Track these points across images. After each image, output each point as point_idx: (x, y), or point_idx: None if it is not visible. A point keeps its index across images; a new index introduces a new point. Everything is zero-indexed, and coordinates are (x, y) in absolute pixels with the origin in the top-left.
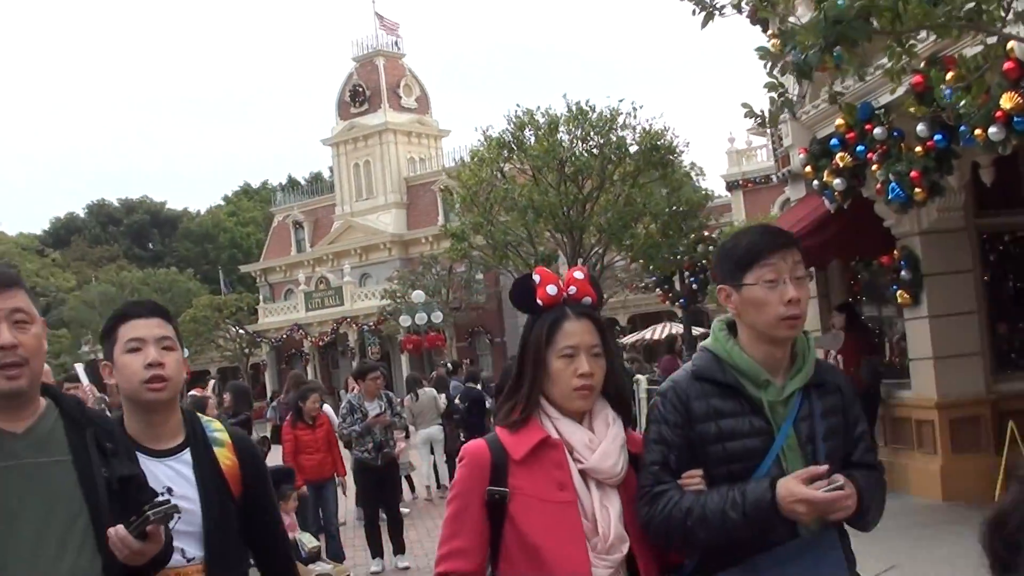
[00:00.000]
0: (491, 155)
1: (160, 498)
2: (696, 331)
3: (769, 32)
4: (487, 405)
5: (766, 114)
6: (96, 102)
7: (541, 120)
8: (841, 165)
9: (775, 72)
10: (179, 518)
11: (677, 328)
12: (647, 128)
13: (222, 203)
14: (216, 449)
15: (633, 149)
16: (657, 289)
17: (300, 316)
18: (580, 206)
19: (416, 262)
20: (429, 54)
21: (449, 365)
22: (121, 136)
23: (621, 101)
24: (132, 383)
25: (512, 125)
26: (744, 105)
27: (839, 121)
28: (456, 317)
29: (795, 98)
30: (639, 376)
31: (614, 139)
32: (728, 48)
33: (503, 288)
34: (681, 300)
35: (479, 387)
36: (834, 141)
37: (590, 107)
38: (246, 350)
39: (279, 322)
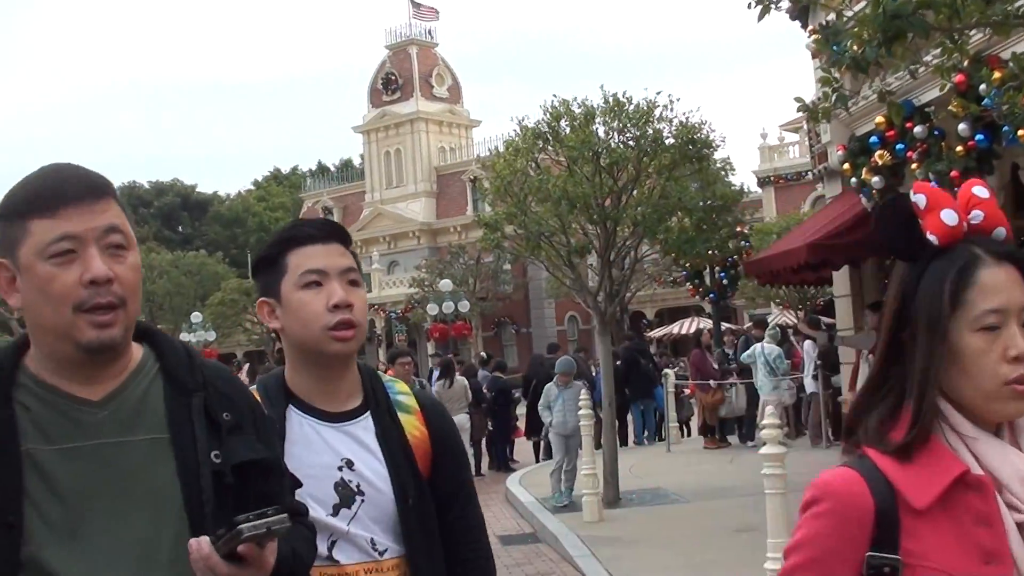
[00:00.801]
0: (526, 145)
1: (270, 511)
2: (724, 326)
3: (809, 28)
4: (514, 395)
5: (819, 108)
6: (128, 85)
7: (577, 111)
8: (880, 163)
9: (829, 67)
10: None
11: (705, 323)
12: (684, 121)
13: (252, 187)
14: (402, 416)
15: (669, 142)
16: (688, 283)
17: None
18: (615, 198)
19: (444, 251)
20: (461, 43)
21: (483, 355)
22: (153, 119)
23: (659, 94)
24: (311, 329)
25: (548, 115)
26: (797, 99)
27: (879, 119)
28: (483, 307)
29: (849, 93)
30: (667, 371)
31: (650, 131)
32: (760, 43)
33: (531, 279)
34: (711, 295)
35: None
36: (873, 139)
37: (627, 99)
38: (273, 334)
39: None
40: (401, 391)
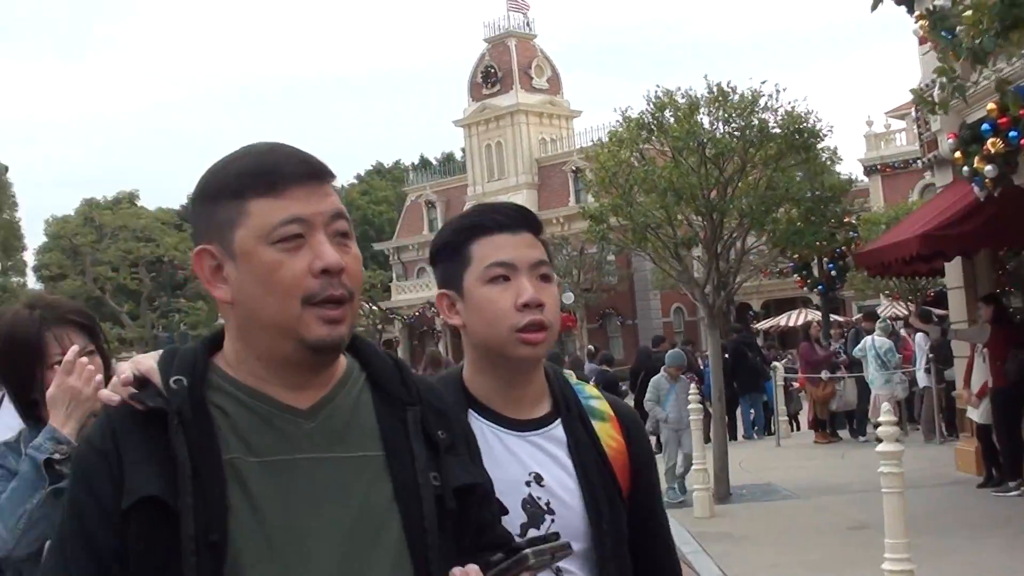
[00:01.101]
0: (630, 135)
1: (549, 536)
2: (832, 318)
3: (916, 13)
4: (621, 388)
5: (935, 97)
6: (233, 82)
7: (681, 101)
8: (992, 151)
9: (944, 55)
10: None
11: (813, 315)
12: (789, 111)
13: (355, 181)
14: (596, 424)
15: (775, 132)
16: (795, 275)
17: (433, 294)
18: (721, 189)
19: (548, 242)
20: (560, 34)
21: (591, 348)
22: (257, 114)
23: (763, 83)
24: (498, 329)
25: (652, 106)
26: (913, 91)
27: (991, 105)
28: (587, 299)
29: (961, 81)
30: (776, 363)
31: (756, 122)
32: (863, 28)
33: (635, 270)
34: (819, 287)
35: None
36: (985, 126)
37: (731, 88)
38: (379, 326)
39: (412, 300)
40: (592, 395)
